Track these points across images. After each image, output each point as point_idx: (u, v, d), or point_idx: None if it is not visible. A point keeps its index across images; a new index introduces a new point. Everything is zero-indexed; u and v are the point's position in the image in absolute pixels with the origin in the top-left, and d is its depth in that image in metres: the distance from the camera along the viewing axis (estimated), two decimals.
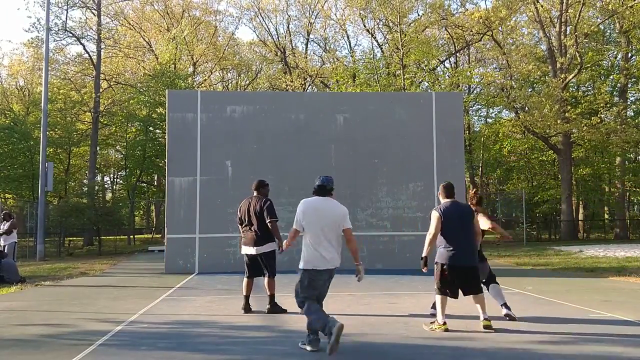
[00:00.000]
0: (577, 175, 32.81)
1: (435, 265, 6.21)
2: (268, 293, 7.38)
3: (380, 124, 14.27)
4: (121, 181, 41.47)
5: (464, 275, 6.08)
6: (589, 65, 30.27)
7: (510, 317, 6.62)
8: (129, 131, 35.15)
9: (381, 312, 7.41)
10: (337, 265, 5.52)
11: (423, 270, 6.21)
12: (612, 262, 15.08)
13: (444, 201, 6.30)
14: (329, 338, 4.91)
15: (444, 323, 6.11)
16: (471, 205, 6.80)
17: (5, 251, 12.48)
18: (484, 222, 6.73)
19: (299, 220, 5.51)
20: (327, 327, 5.00)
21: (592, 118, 28.38)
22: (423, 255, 6.20)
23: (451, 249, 6.03)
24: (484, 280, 6.68)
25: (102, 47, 30.53)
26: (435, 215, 6.16)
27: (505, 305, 6.71)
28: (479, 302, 6.19)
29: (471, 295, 6.21)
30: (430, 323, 6.27)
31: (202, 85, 39.92)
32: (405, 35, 29.52)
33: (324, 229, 5.40)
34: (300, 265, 5.45)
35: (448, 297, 6.15)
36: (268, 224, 7.16)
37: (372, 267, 13.51)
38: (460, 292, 6.20)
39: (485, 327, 6.09)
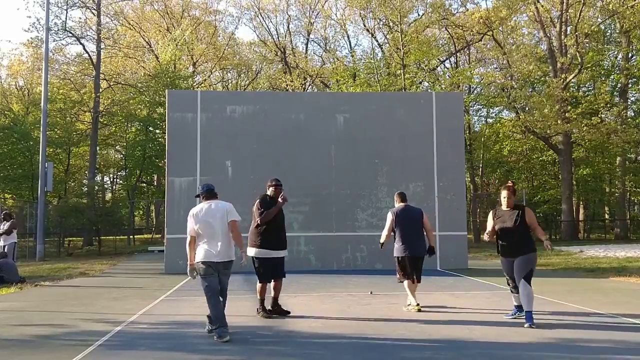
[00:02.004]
0: (577, 176, 32.80)
1: (395, 259, 7.60)
2: (274, 295, 7.26)
3: (380, 124, 14.26)
4: (121, 181, 41.49)
5: (414, 262, 7.50)
6: (589, 65, 30.24)
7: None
8: (129, 131, 35.15)
9: (381, 313, 7.39)
10: (231, 258, 6.08)
11: (381, 249, 7.93)
12: (613, 262, 15.06)
13: (397, 205, 7.78)
14: (211, 330, 5.92)
15: (417, 304, 7.43)
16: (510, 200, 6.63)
17: (5, 251, 12.47)
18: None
19: (193, 227, 6.02)
20: (217, 327, 5.82)
21: (593, 118, 28.37)
22: (381, 241, 7.79)
23: (404, 243, 7.48)
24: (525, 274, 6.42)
25: (102, 47, 30.52)
26: (389, 216, 7.69)
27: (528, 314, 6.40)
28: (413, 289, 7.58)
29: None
30: (408, 305, 7.57)
31: (202, 85, 39.91)
32: (406, 35, 29.50)
33: (214, 227, 5.99)
34: (197, 259, 6.00)
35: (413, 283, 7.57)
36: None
37: (372, 267, 13.52)
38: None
39: (417, 310, 7.38)
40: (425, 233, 7.63)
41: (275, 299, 7.25)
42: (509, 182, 7.04)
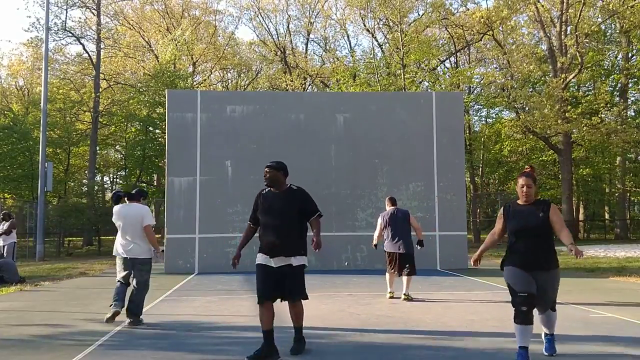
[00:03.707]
0: (577, 176, 32.79)
1: (386, 254, 8.75)
2: (294, 322, 5.24)
3: (380, 124, 14.26)
4: (121, 181, 41.44)
5: (402, 259, 8.50)
6: (589, 65, 30.23)
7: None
8: (129, 131, 35.13)
9: (381, 312, 7.39)
10: (138, 256, 6.92)
11: (376, 249, 9.09)
12: (613, 262, 15.06)
13: (388, 208, 8.87)
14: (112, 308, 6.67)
15: (391, 292, 8.67)
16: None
17: (5, 251, 12.47)
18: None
19: (115, 221, 7.08)
20: (115, 303, 6.70)
21: (593, 118, 28.36)
22: (374, 243, 9.00)
23: (394, 241, 8.57)
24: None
25: (102, 46, 30.52)
26: (379, 220, 8.86)
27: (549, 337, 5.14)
28: (407, 281, 8.50)
29: (405, 276, 8.51)
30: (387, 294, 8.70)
31: (202, 85, 39.88)
32: (406, 35, 29.49)
33: (124, 227, 6.97)
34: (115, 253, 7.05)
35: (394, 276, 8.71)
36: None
37: (372, 267, 13.51)
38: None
39: (405, 299, 8.36)
40: (414, 231, 8.71)
41: (295, 328, 5.21)
42: (528, 166, 5.18)
